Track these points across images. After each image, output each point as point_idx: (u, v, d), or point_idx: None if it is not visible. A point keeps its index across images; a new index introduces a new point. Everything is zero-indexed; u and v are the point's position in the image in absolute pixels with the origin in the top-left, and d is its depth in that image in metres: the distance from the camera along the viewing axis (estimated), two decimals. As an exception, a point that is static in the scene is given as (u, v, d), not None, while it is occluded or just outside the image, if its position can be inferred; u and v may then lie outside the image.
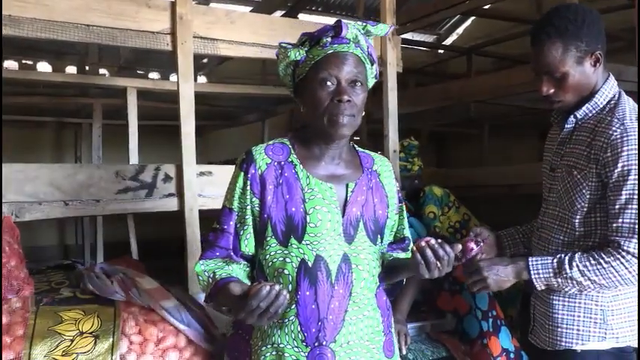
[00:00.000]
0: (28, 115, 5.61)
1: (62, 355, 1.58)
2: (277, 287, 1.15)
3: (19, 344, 1.57)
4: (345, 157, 1.48)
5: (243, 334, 1.44)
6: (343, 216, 1.40)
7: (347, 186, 1.43)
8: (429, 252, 1.29)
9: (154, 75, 5.93)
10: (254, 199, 1.39)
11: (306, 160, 1.43)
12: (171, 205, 2.53)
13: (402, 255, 1.55)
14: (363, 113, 1.43)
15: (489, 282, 1.63)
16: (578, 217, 1.62)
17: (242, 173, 1.41)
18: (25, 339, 1.59)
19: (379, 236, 1.47)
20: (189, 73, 2.51)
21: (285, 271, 1.37)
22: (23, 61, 5.62)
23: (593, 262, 1.53)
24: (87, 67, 5.34)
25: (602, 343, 1.61)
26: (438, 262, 1.30)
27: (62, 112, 5.71)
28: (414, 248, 1.32)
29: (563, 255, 1.57)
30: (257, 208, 1.40)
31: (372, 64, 1.47)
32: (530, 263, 1.61)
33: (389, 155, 2.99)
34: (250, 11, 5.70)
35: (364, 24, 1.43)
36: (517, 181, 4.18)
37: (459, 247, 1.33)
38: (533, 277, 1.60)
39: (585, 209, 1.60)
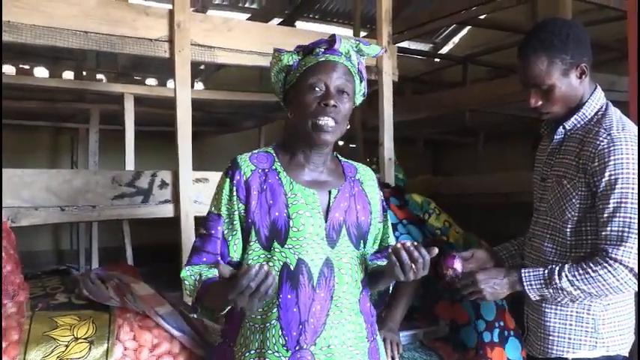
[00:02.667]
0: (24, 120, 5.60)
1: (57, 361, 1.58)
2: (266, 267, 1.16)
3: (14, 349, 1.57)
4: (329, 165, 1.52)
5: (229, 341, 1.44)
6: (326, 221, 1.42)
7: (330, 192, 1.46)
8: (404, 254, 1.30)
9: (151, 81, 5.93)
10: (240, 204, 1.42)
11: (289, 168, 1.46)
12: (167, 211, 2.54)
13: (384, 262, 1.55)
14: (348, 126, 1.47)
15: (485, 294, 1.66)
16: (569, 226, 1.64)
17: (228, 180, 1.44)
18: (20, 344, 1.59)
19: (362, 241, 1.48)
20: (187, 80, 2.52)
21: None
22: (20, 66, 5.62)
23: (581, 271, 1.54)
24: (84, 73, 5.35)
25: (592, 351, 1.63)
26: (412, 265, 1.30)
27: (59, 117, 5.71)
28: (390, 250, 1.33)
29: (554, 266, 1.60)
30: (242, 214, 1.42)
31: (362, 81, 1.51)
32: (523, 275, 1.63)
33: (384, 163, 3.01)
34: (247, 19, 5.73)
35: (357, 42, 1.48)
36: (511, 189, 4.20)
37: (435, 250, 1.32)
38: (526, 288, 1.62)
39: (576, 218, 1.62)
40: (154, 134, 5.76)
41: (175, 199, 2.53)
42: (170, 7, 2.51)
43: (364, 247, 1.50)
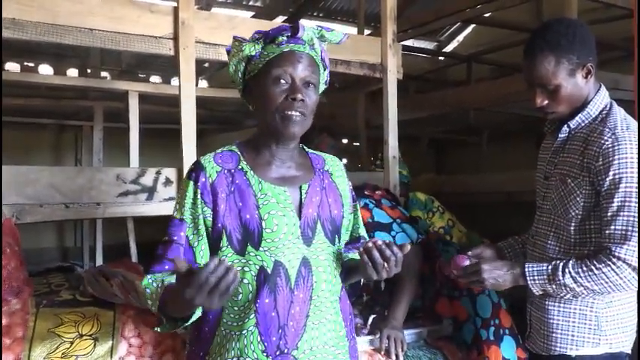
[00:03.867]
0: (28, 117, 5.62)
1: (62, 357, 1.59)
2: (227, 262, 1.09)
3: (18, 346, 1.58)
4: (296, 159, 1.45)
5: (198, 351, 1.37)
6: (300, 219, 1.37)
7: (300, 188, 1.40)
8: (375, 253, 1.27)
9: (155, 78, 5.94)
10: (205, 208, 1.34)
11: (256, 166, 1.40)
12: (172, 208, 2.54)
13: (356, 255, 1.52)
14: (312, 119, 1.40)
15: (487, 284, 1.66)
16: (573, 224, 1.65)
17: (191, 182, 1.36)
18: (25, 341, 1.60)
19: (337, 236, 1.45)
20: (191, 77, 2.52)
21: (245, 280, 1.32)
22: (25, 64, 5.64)
23: (585, 268, 1.55)
24: (88, 70, 5.36)
25: (596, 348, 1.64)
26: (385, 263, 1.27)
27: (63, 115, 5.72)
28: (361, 249, 1.30)
29: (558, 262, 1.60)
30: (209, 219, 1.35)
31: (325, 69, 1.46)
32: (526, 270, 1.63)
33: (388, 161, 3.01)
34: (252, 17, 5.72)
35: (320, 28, 1.41)
36: (514, 189, 4.19)
37: (408, 247, 1.29)
38: (529, 283, 1.63)
39: (580, 217, 1.63)
40: (158, 132, 5.77)
41: (179, 197, 2.53)
42: (175, 4, 2.51)
43: (339, 242, 1.46)
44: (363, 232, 1.58)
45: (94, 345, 1.64)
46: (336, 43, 1.46)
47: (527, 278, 1.62)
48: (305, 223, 1.37)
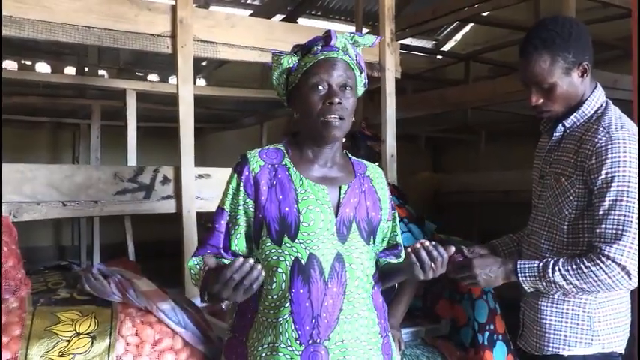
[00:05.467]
0: (26, 115, 5.60)
1: (59, 356, 1.59)
2: (251, 261, 1.19)
3: (16, 344, 1.58)
4: (339, 161, 1.53)
5: (240, 336, 1.46)
6: (336, 216, 1.44)
7: (340, 188, 1.48)
8: (423, 253, 1.32)
9: (153, 77, 5.93)
10: (248, 200, 1.45)
11: (299, 164, 1.49)
12: (169, 207, 2.54)
13: (394, 260, 1.58)
14: (354, 118, 1.49)
15: (479, 279, 1.67)
16: (566, 223, 1.65)
17: (236, 175, 1.47)
18: (22, 339, 1.60)
19: (372, 237, 1.50)
20: (189, 75, 2.52)
21: (279, 269, 1.40)
22: (22, 61, 5.62)
23: (574, 266, 1.55)
24: (86, 68, 5.35)
25: (588, 348, 1.64)
26: (432, 263, 1.32)
27: (60, 113, 5.71)
28: (410, 250, 1.34)
29: (549, 259, 1.60)
30: (251, 209, 1.45)
31: (362, 73, 1.53)
32: (518, 266, 1.64)
33: (386, 160, 3.01)
34: (250, 15, 5.72)
35: (352, 34, 1.51)
36: (512, 188, 4.20)
37: (452, 248, 1.35)
38: (520, 279, 1.63)
39: (573, 216, 1.63)
40: (156, 130, 5.76)
41: (177, 195, 2.53)
42: (173, 2, 2.51)
43: (374, 243, 1.52)
44: (400, 239, 1.63)
45: (92, 343, 1.64)
46: (370, 46, 1.55)
47: (519, 274, 1.63)
48: (341, 221, 1.44)
